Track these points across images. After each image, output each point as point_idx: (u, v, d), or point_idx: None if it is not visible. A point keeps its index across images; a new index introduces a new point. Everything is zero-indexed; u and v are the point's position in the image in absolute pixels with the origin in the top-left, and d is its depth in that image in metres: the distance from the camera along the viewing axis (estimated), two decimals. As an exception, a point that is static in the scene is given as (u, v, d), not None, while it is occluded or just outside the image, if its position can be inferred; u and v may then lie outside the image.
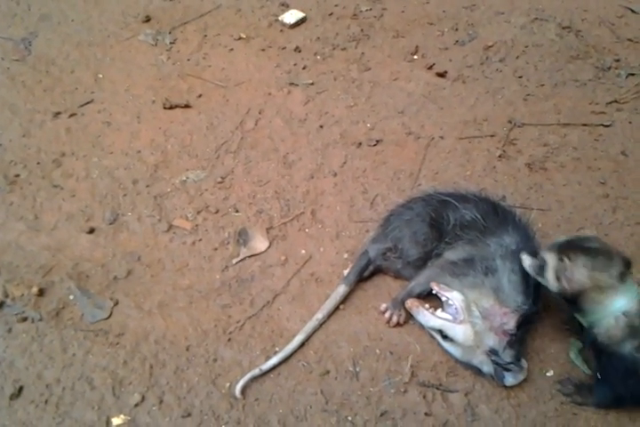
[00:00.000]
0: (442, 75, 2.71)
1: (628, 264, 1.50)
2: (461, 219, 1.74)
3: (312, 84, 2.77)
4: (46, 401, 1.65)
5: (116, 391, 1.65)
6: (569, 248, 1.53)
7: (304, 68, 2.87)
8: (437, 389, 1.59)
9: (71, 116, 2.73)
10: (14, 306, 1.89)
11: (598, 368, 1.53)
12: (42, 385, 1.69)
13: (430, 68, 2.76)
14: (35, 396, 1.66)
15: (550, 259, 1.54)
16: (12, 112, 2.75)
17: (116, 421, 1.58)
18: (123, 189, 2.34)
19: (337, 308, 1.80)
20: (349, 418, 1.55)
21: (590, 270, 1.48)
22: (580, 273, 1.48)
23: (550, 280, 1.54)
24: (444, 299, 1.67)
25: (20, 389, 1.68)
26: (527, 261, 1.60)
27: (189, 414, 1.59)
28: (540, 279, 1.58)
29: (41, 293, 1.93)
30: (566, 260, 1.50)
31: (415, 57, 2.85)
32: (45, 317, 1.87)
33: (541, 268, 1.56)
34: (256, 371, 1.63)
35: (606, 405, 1.56)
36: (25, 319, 1.85)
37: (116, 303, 1.90)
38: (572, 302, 1.53)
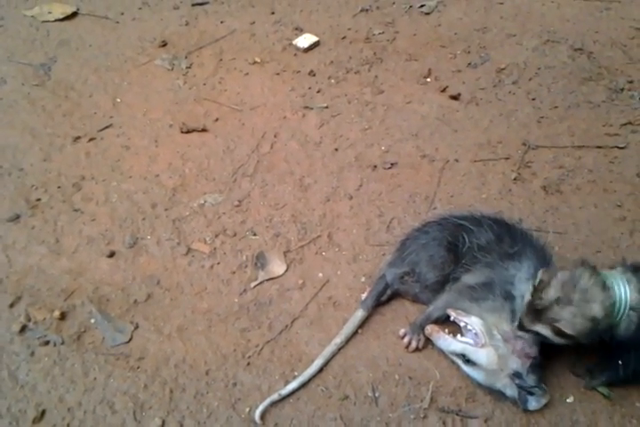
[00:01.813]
0: (455, 97, 2.74)
1: (592, 269, 1.50)
2: (477, 242, 1.75)
3: (326, 107, 2.81)
4: (68, 425, 1.68)
5: (137, 416, 1.67)
6: (541, 311, 1.50)
7: (318, 92, 2.91)
8: (457, 415, 1.60)
9: (90, 140, 2.79)
10: (36, 330, 1.93)
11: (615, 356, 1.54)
12: (64, 409, 1.71)
13: (443, 90, 2.79)
14: (57, 420, 1.69)
15: (542, 330, 1.52)
16: (33, 136, 2.81)
17: (137, 446, 1.60)
18: (142, 212, 2.38)
19: (355, 332, 1.81)
20: (367, 443, 1.56)
21: (581, 314, 1.45)
22: (578, 323, 1.45)
23: (557, 340, 1.51)
24: (462, 324, 1.68)
25: (43, 412, 1.70)
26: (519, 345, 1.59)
27: (210, 440, 1.60)
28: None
29: (62, 316, 1.96)
30: (549, 325, 1.48)
31: (428, 80, 2.89)
32: (67, 340, 1.90)
33: (539, 335, 1.53)
34: (275, 396, 1.65)
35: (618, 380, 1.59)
36: (47, 343, 1.88)
37: (136, 327, 1.93)
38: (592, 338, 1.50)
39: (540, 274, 1.53)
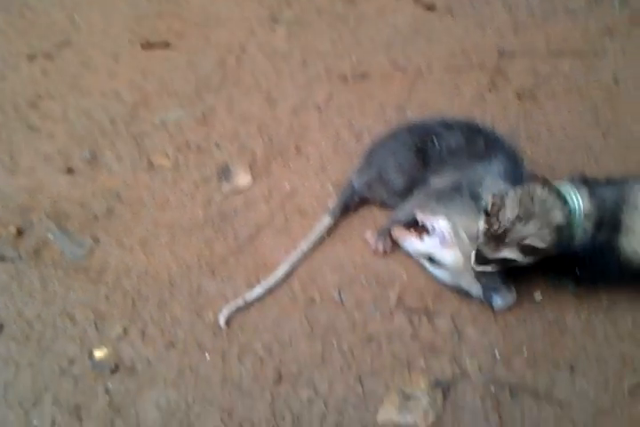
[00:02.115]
0: (430, 8, 2.62)
1: (545, 182, 1.47)
2: (447, 145, 1.69)
3: (295, 19, 2.67)
4: (27, 337, 1.63)
5: (98, 326, 1.63)
6: (502, 234, 1.42)
7: (287, 4, 2.76)
8: (424, 313, 1.57)
9: (47, 58, 2.64)
10: (-7, 246, 1.85)
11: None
12: (23, 322, 1.66)
13: (417, 1, 2.66)
14: (16, 333, 1.64)
15: (510, 253, 1.44)
16: (-15, 56, 2.65)
17: (98, 353, 1.56)
18: (101, 129, 2.28)
19: (322, 239, 1.76)
20: (334, 343, 1.53)
21: (546, 226, 1.40)
22: (543, 236, 1.40)
23: (516, 255, 1.44)
24: (428, 225, 1.63)
25: (1, 326, 1.65)
26: (477, 268, 1.51)
27: (173, 345, 1.57)
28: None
29: (19, 232, 1.89)
30: (522, 244, 1.41)
31: (403, -11, 2.74)
32: (25, 256, 1.83)
33: (506, 260, 1.45)
34: (240, 301, 1.61)
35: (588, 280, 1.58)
36: (3, 259, 1.81)
37: (97, 241, 1.86)
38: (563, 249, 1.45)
39: (489, 199, 1.46)
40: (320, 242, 1.75)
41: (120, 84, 2.46)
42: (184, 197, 1.98)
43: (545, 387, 1.45)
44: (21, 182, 2.08)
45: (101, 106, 2.36)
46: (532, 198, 1.42)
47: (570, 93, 2.13)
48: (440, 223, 1.60)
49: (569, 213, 1.42)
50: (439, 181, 1.68)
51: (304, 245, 1.71)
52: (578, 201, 1.43)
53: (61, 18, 2.86)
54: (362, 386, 1.44)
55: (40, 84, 2.51)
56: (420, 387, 1.42)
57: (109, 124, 2.28)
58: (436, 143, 1.71)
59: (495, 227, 1.42)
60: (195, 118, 2.27)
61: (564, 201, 1.43)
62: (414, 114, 2.11)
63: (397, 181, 1.74)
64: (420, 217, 1.63)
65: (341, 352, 1.50)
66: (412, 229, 1.66)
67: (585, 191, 1.45)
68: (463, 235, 1.56)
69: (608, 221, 1.43)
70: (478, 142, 1.69)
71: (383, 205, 1.81)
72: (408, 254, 1.67)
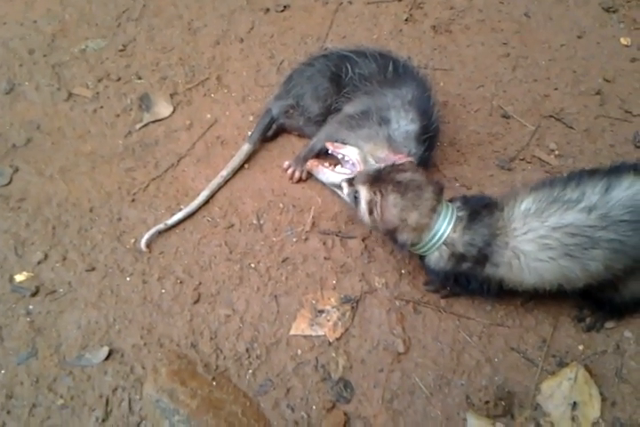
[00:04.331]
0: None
1: (440, 193, 1.33)
2: (360, 72, 1.66)
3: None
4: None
5: (18, 251, 1.57)
6: (381, 182, 1.33)
7: None
8: (337, 236, 1.59)
9: (-44, -16, 2.41)
10: None
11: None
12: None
13: None
14: None
15: (363, 191, 1.36)
16: None
17: (19, 277, 1.52)
18: (19, 59, 2.13)
19: (242, 167, 1.73)
20: (252, 265, 1.54)
21: (400, 210, 1.30)
22: (389, 213, 1.30)
23: (364, 214, 1.36)
24: (340, 156, 1.62)
25: None
26: (345, 189, 1.43)
27: (94, 269, 1.54)
28: (355, 211, 1.40)
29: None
30: (378, 195, 1.31)
31: None
32: (-60, 184, 1.73)
33: (356, 199, 1.38)
34: (161, 225, 1.58)
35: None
36: None
37: (16, 170, 1.78)
38: (390, 237, 1.36)
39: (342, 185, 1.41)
40: (240, 169, 1.72)
41: (37, 14, 2.30)
42: (104, 127, 1.90)
43: (446, 302, 1.49)
44: None
45: (18, 36, 2.21)
46: (419, 190, 1.32)
47: (483, 27, 2.12)
48: (350, 152, 1.59)
49: (424, 225, 1.31)
50: (350, 107, 1.66)
51: (224, 172, 1.69)
52: (445, 226, 1.31)
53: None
54: (277, 304, 1.46)
55: (-50, 12, 2.31)
56: (330, 303, 1.45)
57: (27, 55, 2.14)
58: (350, 70, 1.67)
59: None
60: (115, 48, 2.15)
61: (432, 215, 1.31)
62: (334, 45, 2.05)
63: (313, 107, 1.71)
64: (331, 149, 1.61)
65: (258, 273, 1.51)
66: (325, 161, 1.64)
67: (465, 224, 1.31)
68: (371, 161, 1.56)
69: (471, 258, 1.31)
70: (390, 70, 1.66)
71: (301, 133, 1.79)
72: (322, 182, 1.66)
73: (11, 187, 1.75)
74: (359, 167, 1.57)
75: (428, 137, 1.58)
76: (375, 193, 1.33)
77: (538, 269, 1.24)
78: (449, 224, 1.30)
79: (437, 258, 1.33)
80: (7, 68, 2.10)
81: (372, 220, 1.34)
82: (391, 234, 1.33)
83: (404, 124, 1.55)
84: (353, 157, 1.58)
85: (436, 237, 1.31)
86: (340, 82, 1.68)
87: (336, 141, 1.64)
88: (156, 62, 2.09)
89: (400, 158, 1.50)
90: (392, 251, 1.54)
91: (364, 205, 1.35)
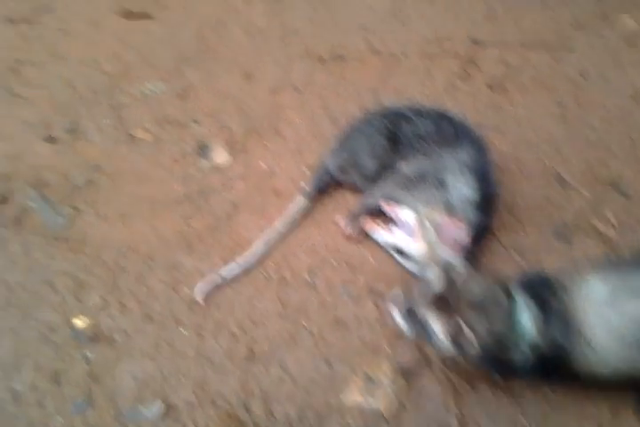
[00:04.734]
0: (407, -10, 2.56)
1: (509, 294, 1.25)
2: (417, 131, 1.68)
3: (276, -5, 2.59)
4: (9, 303, 1.60)
5: (77, 295, 1.61)
6: (452, 306, 1.22)
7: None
8: (391, 300, 1.58)
9: (26, 22, 2.52)
10: (-27, 213, 1.80)
11: None
12: (4, 288, 1.63)
13: (396, -17, 2.60)
14: (-2, 299, 1.61)
15: (433, 319, 1.22)
16: (-37, 17, 2.52)
17: (78, 322, 1.55)
18: (82, 98, 2.20)
19: (296, 220, 1.75)
20: (305, 324, 1.54)
21: (489, 331, 1.20)
22: (480, 338, 1.19)
23: (447, 346, 1.23)
24: (394, 217, 1.64)
25: (-18, 292, 1.61)
26: (403, 321, 1.30)
27: (150, 318, 1.56)
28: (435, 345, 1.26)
29: (1, 200, 1.83)
30: (457, 324, 1.19)
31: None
32: (7, 223, 1.79)
33: (421, 323, 1.25)
34: (216, 277, 1.61)
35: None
36: (-16, 226, 1.76)
37: (77, 211, 1.83)
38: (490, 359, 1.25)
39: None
40: (294, 224, 1.74)
41: (100, 54, 2.38)
42: (163, 172, 1.94)
43: (503, 381, 1.42)
44: (2, 149, 2.02)
45: (82, 75, 2.28)
46: (496, 305, 1.24)
47: (538, 86, 2.13)
48: (406, 213, 1.60)
49: (515, 332, 1.22)
50: (406, 167, 1.68)
51: (279, 226, 1.71)
52: (529, 327, 1.23)
53: (41, -20, 2.72)
54: (329, 368, 1.45)
55: (20, 49, 2.41)
56: (384, 372, 1.45)
57: (90, 94, 2.21)
58: (407, 129, 1.70)
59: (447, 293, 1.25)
60: (174, 92, 2.21)
61: (516, 320, 1.23)
62: (388, 98, 2.09)
63: (368, 164, 1.73)
64: (386, 208, 1.62)
65: (311, 334, 1.52)
66: (379, 222, 1.65)
67: (536, 317, 1.22)
68: (428, 225, 1.56)
69: (555, 358, 1.23)
70: (447, 131, 1.68)
71: (356, 189, 1.81)
72: (377, 242, 1.67)
73: (72, 228, 1.79)
74: (414, 231, 1.58)
75: (487, 203, 1.58)
76: (452, 323, 1.20)
77: (610, 360, 1.22)
78: (532, 326, 1.23)
79: (527, 357, 1.24)
80: (71, 107, 2.17)
81: (460, 349, 1.23)
82: (492, 356, 1.23)
83: (462, 188, 1.56)
84: (409, 218, 1.60)
85: (525, 337, 1.22)
86: (397, 140, 1.70)
87: (391, 201, 1.65)
88: (213, 108, 2.14)
89: (458, 225, 1.51)
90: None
91: (442, 336, 1.23)
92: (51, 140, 2.05)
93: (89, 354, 1.50)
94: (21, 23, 2.53)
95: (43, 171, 1.95)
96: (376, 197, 1.67)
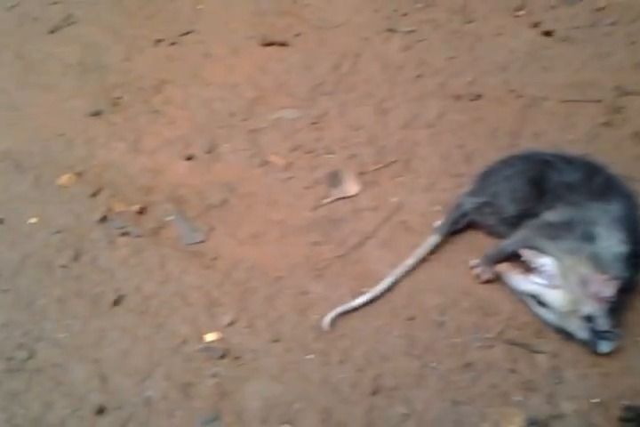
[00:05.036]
0: (548, 34, 2.57)
1: None
2: (564, 180, 1.67)
3: (411, 31, 2.67)
4: (144, 312, 1.70)
5: (209, 310, 1.69)
6: None
7: (404, 15, 2.78)
8: (524, 348, 1.56)
9: (171, 44, 2.72)
10: (116, 221, 1.94)
11: None
12: (140, 296, 1.74)
13: (536, 25, 2.62)
14: (134, 305, 1.71)
15: None
16: (115, 36, 2.76)
17: (209, 337, 1.62)
18: (219, 120, 2.34)
19: (426, 258, 1.77)
20: (433, 364, 1.54)
21: None
22: None
23: None
24: (535, 266, 1.62)
25: (121, 297, 1.73)
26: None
27: (278, 340, 1.61)
28: None
29: (141, 211, 1.97)
30: None
31: (521, 13, 2.71)
32: (145, 234, 1.91)
33: None
34: (345, 307, 1.64)
35: None
36: (126, 234, 1.90)
37: (212, 229, 1.92)
38: None
39: None
40: (424, 261, 1.76)
41: (238, 79, 2.52)
42: (293, 198, 2.02)
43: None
44: (144, 163, 2.17)
45: (221, 98, 2.42)
46: None
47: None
48: (547, 263, 1.59)
49: None
50: (552, 215, 1.67)
51: (409, 261, 1.73)
52: None
53: (186, 6, 2.94)
54: (457, 412, 1.44)
55: (164, 69, 2.60)
56: (514, 422, 1.42)
57: (228, 117, 2.34)
58: (554, 176, 1.69)
59: None
60: (308, 120, 2.30)
61: None
62: (526, 142, 2.08)
63: (509, 208, 1.73)
64: (526, 256, 1.61)
65: (439, 375, 1.51)
66: (517, 267, 1.64)
67: None
68: (571, 276, 1.54)
69: None
70: (597, 181, 1.66)
71: (490, 231, 1.81)
72: (512, 288, 1.66)
73: (206, 245, 1.89)
74: (556, 281, 1.56)
75: (636, 258, 1.54)
76: None
77: None
78: None
79: None
80: (209, 129, 2.31)
81: None
82: None
83: (613, 244, 1.54)
84: (550, 268, 1.58)
85: None
86: (541, 187, 1.70)
87: (531, 248, 1.64)
88: (345, 139, 2.21)
89: (603, 281, 1.48)
90: (584, 376, 1.49)
91: None
92: (189, 158, 2.18)
93: (218, 370, 1.56)
94: (168, 45, 2.73)
95: (180, 187, 2.07)
96: (516, 243, 1.67)
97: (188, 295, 1.74)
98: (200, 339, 1.64)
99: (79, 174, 2.13)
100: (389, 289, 1.71)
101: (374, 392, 1.50)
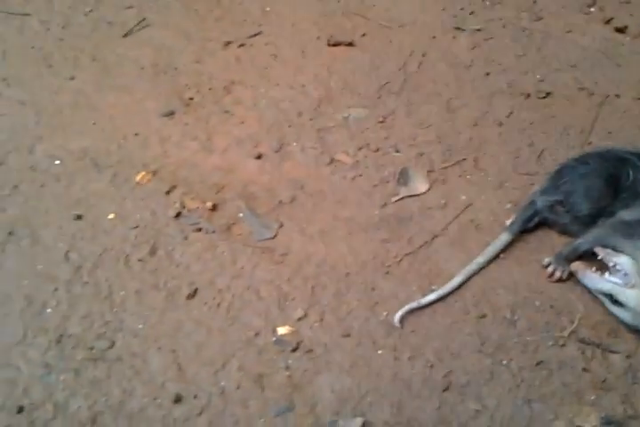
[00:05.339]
0: (621, 30, 2.52)
1: None
2: None
3: (479, 30, 2.65)
4: (218, 305, 1.76)
5: (281, 304, 1.73)
6: None
7: (471, 13, 2.75)
8: (597, 347, 1.54)
9: (240, 46, 2.78)
10: (190, 217, 2.01)
11: None
12: (214, 290, 1.80)
13: (608, 22, 2.57)
14: (208, 298, 1.77)
15: None
16: (186, 38, 2.83)
17: (281, 330, 1.67)
18: (288, 120, 2.38)
19: (497, 256, 1.76)
20: (504, 362, 1.54)
21: None
22: None
23: None
24: (611, 264, 1.59)
25: (196, 291, 1.79)
26: None
27: (349, 335, 1.64)
28: None
29: (214, 208, 2.03)
30: None
31: (592, 9, 2.66)
32: (218, 230, 1.96)
33: None
34: (415, 304, 1.66)
35: None
36: (199, 230, 1.96)
37: (281, 226, 1.97)
38: None
39: None
40: (495, 259, 1.75)
41: (306, 79, 2.55)
42: (362, 196, 2.04)
43: None
44: (216, 162, 2.23)
45: (289, 98, 2.47)
46: None
47: None
48: (623, 261, 1.56)
49: None
50: (628, 213, 1.64)
51: (480, 259, 1.73)
52: None
53: (255, 8, 3.00)
54: (530, 409, 1.44)
55: (233, 70, 2.66)
56: (589, 421, 1.41)
57: (296, 117, 2.38)
58: (631, 175, 1.66)
59: None
60: (375, 119, 2.32)
61: None
62: (599, 140, 2.05)
63: (583, 206, 1.71)
64: (602, 254, 1.59)
65: (511, 372, 1.51)
66: (591, 265, 1.62)
67: None
68: (650, 275, 1.51)
69: None
70: (676, 180, 1.62)
71: (563, 229, 1.79)
72: (586, 287, 1.63)
73: (275, 241, 1.94)
74: (632, 279, 1.53)
75: None
76: None
77: None
78: None
79: None
80: (278, 128, 2.36)
81: None
82: None
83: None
84: (627, 267, 1.55)
85: None
86: (618, 185, 1.67)
87: (606, 247, 1.61)
88: (413, 137, 2.22)
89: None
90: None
91: None
92: (259, 156, 2.23)
93: (290, 362, 1.60)
94: (237, 47, 2.79)
95: (251, 185, 2.13)
96: (591, 241, 1.64)
97: (260, 289, 1.79)
98: (272, 332, 1.68)
99: (154, 172, 2.21)
100: (460, 287, 1.70)
101: (445, 389, 1.51)
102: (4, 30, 2.90)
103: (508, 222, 1.82)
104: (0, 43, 2.83)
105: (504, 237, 1.77)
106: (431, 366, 1.55)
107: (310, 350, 1.62)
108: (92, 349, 1.68)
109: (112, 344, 1.70)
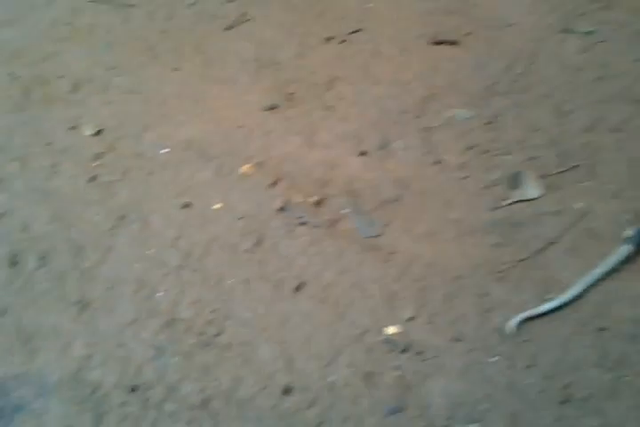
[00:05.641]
0: None
1: None
2: None
3: (590, 32, 2.56)
4: (325, 300, 1.76)
5: (388, 304, 1.72)
6: None
7: (581, 15, 2.66)
8: None
9: (341, 42, 2.78)
10: (294, 211, 2.02)
11: None
12: (320, 284, 1.80)
13: None
14: (315, 292, 1.77)
15: None
16: (287, 33, 2.86)
17: (390, 330, 1.65)
18: (391, 117, 2.36)
19: (618, 267, 1.69)
20: (627, 378, 1.48)
21: None
22: None
23: None
24: None
25: (302, 283, 1.79)
26: None
27: (460, 340, 1.61)
28: None
29: (318, 203, 2.03)
30: None
31: None
32: (322, 224, 1.97)
33: None
34: (532, 312, 1.61)
35: None
36: (304, 224, 1.97)
37: (387, 224, 1.95)
38: None
39: None
40: (615, 270, 1.69)
41: (409, 77, 2.53)
42: (470, 198, 2.01)
43: None
44: (318, 157, 2.24)
45: (392, 95, 2.45)
46: None
47: None
48: None
49: None
50: None
51: (599, 270, 1.67)
52: None
53: (355, 5, 3.00)
54: (659, 428, 1.38)
55: (335, 66, 2.66)
56: None
57: (399, 115, 2.36)
58: None
59: None
60: (481, 120, 2.28)
61: None
62: None
63: None
64: None
65: (635, 389, 1.45)
66: None
67: None
68: None
69: None
70: None
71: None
72: None
73: (381, 239, 1.92)
74: None
75: None
76: None
77: None
78: None
79: None
80: (381, 126, 2.34)
81: None
82: None
83: None
84: None
85: None
86: None
87: None
88: (522, 140, 2.17)
89: None
90: None
91: None
92: (363, 153, 2.22)
93: (400, 363, 1.59)
94: (338, 43, 2.80)
95: (355, 181, 2.12)
96: None
97: (367, 287, 1.78)
98: (380, 331, 1.67)
99: (258, 165, 2.23)
100: (578, 297, 1.65)
101: (564, 401, 1.46)
102: (110, 21, 2.99)
103: (628, 234, 1.74)
104: (106, 33, 2.93)
105: (624, 249, 1.70)
106: (548, 377, 1.51)
107: (421, 352, 1.60)
108: (201, 334, 1.71)
109: (221, 331, 1.72)
